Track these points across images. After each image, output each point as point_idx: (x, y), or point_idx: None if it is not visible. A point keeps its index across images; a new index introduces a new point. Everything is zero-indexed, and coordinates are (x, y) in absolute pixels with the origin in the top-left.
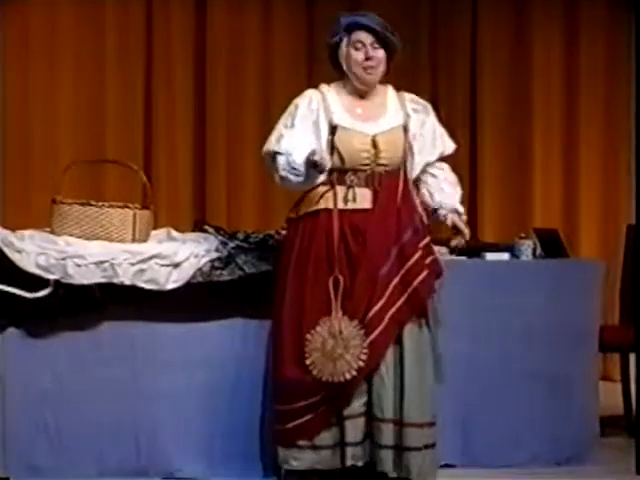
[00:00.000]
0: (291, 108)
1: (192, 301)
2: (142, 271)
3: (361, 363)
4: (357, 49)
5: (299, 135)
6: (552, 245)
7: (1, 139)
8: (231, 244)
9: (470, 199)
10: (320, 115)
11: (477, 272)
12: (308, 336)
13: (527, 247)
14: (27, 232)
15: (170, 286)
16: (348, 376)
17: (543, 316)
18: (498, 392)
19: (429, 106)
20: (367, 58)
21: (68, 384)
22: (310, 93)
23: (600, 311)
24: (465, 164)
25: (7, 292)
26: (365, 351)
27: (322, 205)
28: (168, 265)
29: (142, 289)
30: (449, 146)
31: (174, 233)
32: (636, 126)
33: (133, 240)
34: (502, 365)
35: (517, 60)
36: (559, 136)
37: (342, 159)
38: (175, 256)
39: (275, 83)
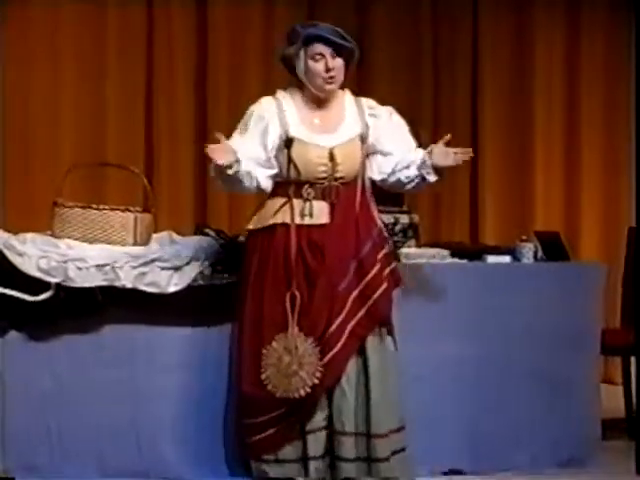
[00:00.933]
0: (246, 115)
1: (193, 304)
2: (143, 274)
3: (315, 380)
4: (317, 61)
5: (247, 142)
6: (553, 248)
7: (2, 141)
8: (232, 247)
9: (471, 201)
10: (272, 124)
11: (478, 275)
12: (264, 351)
13: (528, 250)
14: (28, 235)
15: (171, 289)
16: (302, 392)
17: (544, 319)
18: (500, 395)
19: (390, 108)
20: (328, 69)
21: (69, 386)
22: (265, 101)
23: (601, 314)
24: (466, 167)
25: (8, 295)
26: (320, 369)
27: (279, 219)
28: (169, 268)
29: (143, 292)
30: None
31: (175, 236)
32: (636, 128)
33: (134, 243)
34: (504, 368)
35: (518, 62)
36: (560, 138)
37: (298, 172)
38: (176, 259)
39: (277, 85)
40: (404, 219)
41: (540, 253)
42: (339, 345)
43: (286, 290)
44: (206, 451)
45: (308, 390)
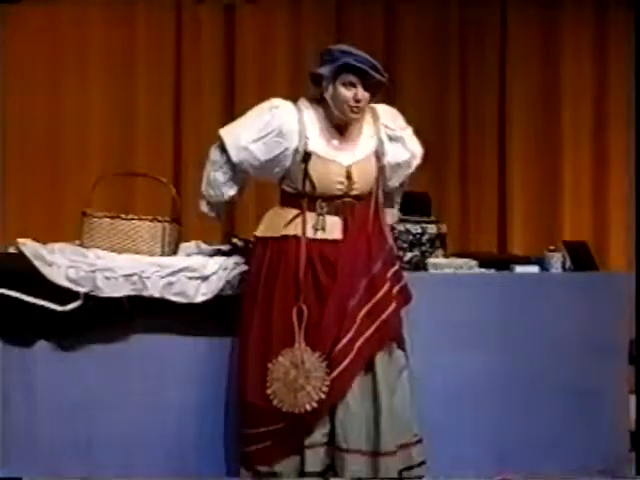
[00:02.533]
0: (265, 111)
1: (221, 314)
2: (171, 284)
3: (322, 395)
4: (347, 88)
5: (252, 141)
6: (581, 258)
7: (30, 151)
8: None
9: (499, 211)
10: (287, 139)
11: (506, 285)
12: (270, 365)
13: (557, 260)
14: (57, 245)
15: (199, 299)
16: (308, 407)
17: (572, 329)
18: (527, 406)
19: (400, 119)
20: (357, 100)
21: (97, 396)
22: (286, 111)
23: (630, 324)
24: (494, 176)
25: (37, 305)
26: (327, 383)
27: (291, 231)
28: (197, 278)
29: (171, 302)
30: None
31: (203, 246)
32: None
33: (162, 253)
34: (531, 378)
35: (547, 74)
36: (589, 149)
37: (314, 187)
38: (204, 269)
39: (305, 91)
40: (432, 229)
41: (568, 263)
42: (347, 361)
43: (294, 304)
44: (236, 463)
45: (314, 405)
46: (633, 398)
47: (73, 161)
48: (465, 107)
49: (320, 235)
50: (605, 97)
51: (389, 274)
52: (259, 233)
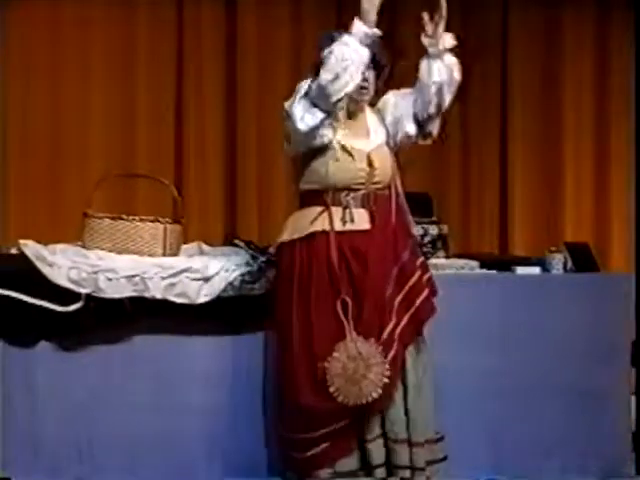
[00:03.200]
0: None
1: (223, 315)
2: (173, 285)
3: (385, 380)
4: None
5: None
6: (583, 259)
7: (31, 151)
8: (261, 258)
9: (501, 212)
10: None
11: (507, 286)
12: (326, 364)
13: (558, 261)
14: (59, 246)
15: (201, 300)
16: (375, 395)
17: (574, 330)
18: (528, 407)
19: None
20: (364, 79)
21: (99, 397)
22: None
23: (632, 325)
24: (495, 178)
25: (39, 306)
26: (387, 367)
27: (318, 227)
28: (199, 279)
29: (173, 303)
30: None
31: (205, 247)
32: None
33: (164, 254)
34: (533, 379)
35: (548, 74)
36: (590, 149)
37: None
38: (206, 270)
39: None
40: (433, 230)
41: (570, 264)
42: (394, 349)
43: (334, 299)
44: (238, 462)
45: (380, 392)
46: (634, 399)
47: (74, 161)
48: (466, 107)
49: (349, 227)
50: (607, 97)
51: (418, 263)
52: (286, 238)
